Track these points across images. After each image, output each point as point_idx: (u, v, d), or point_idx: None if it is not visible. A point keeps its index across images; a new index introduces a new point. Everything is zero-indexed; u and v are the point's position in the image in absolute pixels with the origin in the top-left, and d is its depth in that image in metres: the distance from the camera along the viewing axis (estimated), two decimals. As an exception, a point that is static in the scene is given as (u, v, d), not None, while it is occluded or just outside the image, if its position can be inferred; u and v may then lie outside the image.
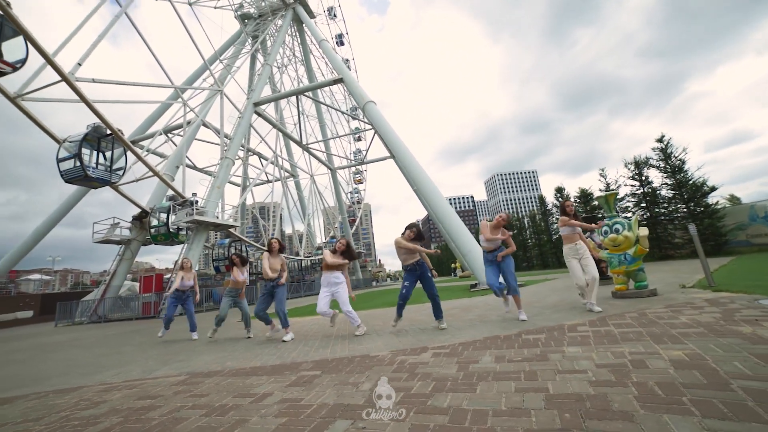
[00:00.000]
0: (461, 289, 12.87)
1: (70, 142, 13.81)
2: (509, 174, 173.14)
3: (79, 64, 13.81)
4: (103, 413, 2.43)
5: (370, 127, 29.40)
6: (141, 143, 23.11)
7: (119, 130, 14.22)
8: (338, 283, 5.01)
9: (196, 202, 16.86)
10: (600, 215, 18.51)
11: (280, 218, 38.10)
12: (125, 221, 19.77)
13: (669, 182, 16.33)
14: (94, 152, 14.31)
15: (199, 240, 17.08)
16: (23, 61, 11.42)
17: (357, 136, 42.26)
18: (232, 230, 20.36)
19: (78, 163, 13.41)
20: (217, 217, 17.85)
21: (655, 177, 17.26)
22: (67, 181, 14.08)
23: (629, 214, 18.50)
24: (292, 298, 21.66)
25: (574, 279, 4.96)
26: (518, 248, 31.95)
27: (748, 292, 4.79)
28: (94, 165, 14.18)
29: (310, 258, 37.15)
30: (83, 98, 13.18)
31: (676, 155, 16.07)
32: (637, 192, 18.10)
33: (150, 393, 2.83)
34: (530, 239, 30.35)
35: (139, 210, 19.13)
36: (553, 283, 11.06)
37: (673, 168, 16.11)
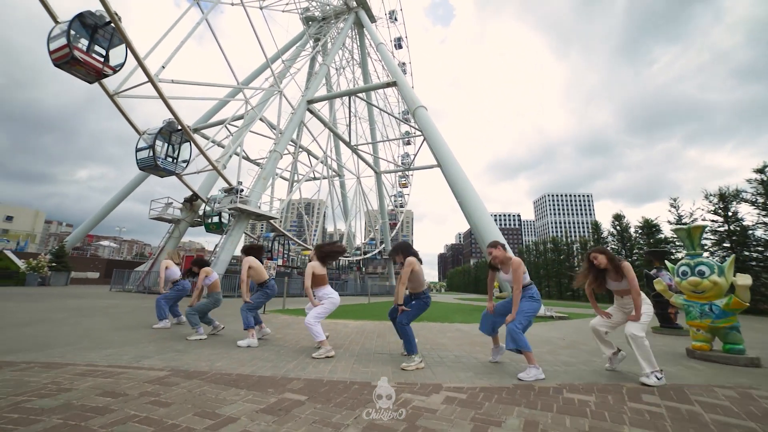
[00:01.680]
0: (496, 313, 11.76)
1: (148, 134, 15.60)
2: (561, 195, 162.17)
3: (163, 67, 15.55)
4: (53, 408, 2.14)
5: (419, 133, 29.01)
6: (203, 131, 24.86)
7: (189, 127, 15.80)
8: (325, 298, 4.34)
9: (242, 190, 17.52)
10: (664, 248, 16.13)
11: (323, 216, 38.99)
12: (178, 202, 21.23)
13: (767, 222, 13.68)
14: (165, 145, 16.07)
15: (239, 228, 17.71)
16: (122, 65, 13.31)
17: (406, 140, 41.97)
18: (273, 222, 20.96)
19: (151, 154, 15.12)
20: (260, 207, 18.40)
21: (747, 214, 14.61)
22: (141, 169, 15.97)
23: (706, 254, 15.88)
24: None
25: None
26: (564, 276, 29.26)
27: None
28: (164, 156, 15.90)
29: (348, 258, 37.39)
30: (163, 98, 14.96)
31: (780, 191, 13.43)
32: (719, 229, 15.48)
33: (117, 389, 2.53)
34: (578, 267, 27.63)
35: (191, 193, 20.40)
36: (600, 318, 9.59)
37: (774, 206, 13.47)
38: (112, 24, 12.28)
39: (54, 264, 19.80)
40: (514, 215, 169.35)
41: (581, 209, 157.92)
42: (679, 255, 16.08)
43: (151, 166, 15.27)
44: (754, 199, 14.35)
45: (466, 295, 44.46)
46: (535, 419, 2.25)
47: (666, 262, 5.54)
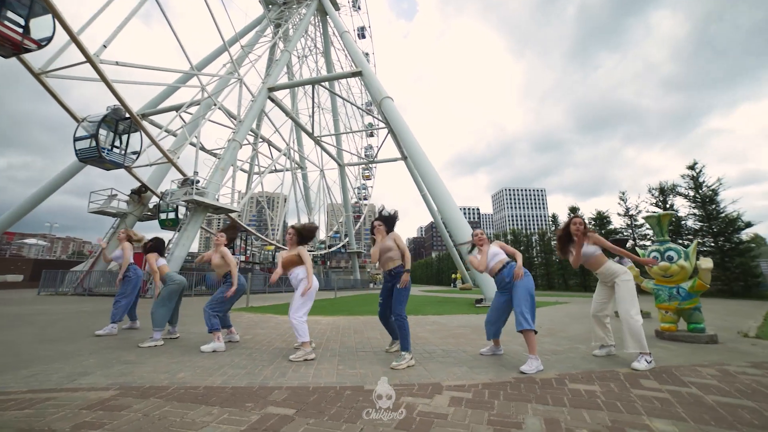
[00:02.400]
0: (465, 303, 11.93)
1: (89, 122, 13.78)
2: (518, 190, 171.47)
3: (105, 46, 13.58)
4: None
5: (383, 124, 28.66)
6: (151, 117, 22.52)
7: (139, 115, 14.07)
8: (300, 279, 3.79)
9: (198, 181, 16.11)
10: (625, 237, 17.48)
11: (285, 210, 37.46)
12: (123, 194, 19.12)
13: (698, 213, 15.25)
14: (111, 134, 14.27)
15: (195, 222, 16.31)
16: (49, 39, 11.31)
17: (370, 132, 41.53)
18: (233, 216, 19.60)
19: (94, 144, 13.35)
20: (218, 200, 17.08)
21: (682, 206, 16.20)
22: (81, 161, 14.04)
23: (647, 243, 17.42)
24: (274, 293, 20.81)
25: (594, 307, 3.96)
26: (524, 266, 30.58)
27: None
28: (110, 147, 14.13)
29: (313, 252, 36.34)
30: (106, 81, 13.07)
31: (708, 185, 15.01)
32: (673, 219, 17.08)
33: (41, 422, 1.96)
34: (537, 258, 29.26)
35: (139, 184, 18.46)
36: (567, 308, 10.08)
37: (704, 198, 15.02)
38: None
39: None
40: (473, 209, 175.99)
41: (536, 203, 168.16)
42: (628, 245, 17.45)
43: (94, 158, 13.54)
44: (686, 193, 15.93)
45: (430, 287, 45.38)
46: (553, 416, 2.07)
47: (637, 249, 5.78)
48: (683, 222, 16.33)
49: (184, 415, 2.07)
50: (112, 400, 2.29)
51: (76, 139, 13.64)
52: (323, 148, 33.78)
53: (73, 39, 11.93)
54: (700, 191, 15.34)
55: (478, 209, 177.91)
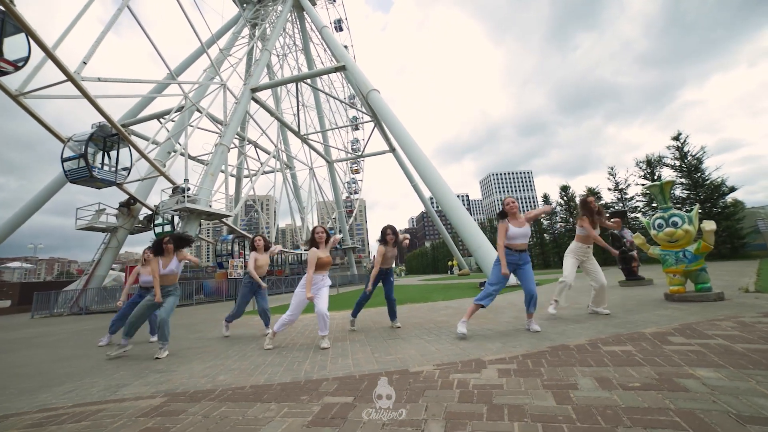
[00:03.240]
0: (469, 287, 12.09)
1: (75, 141, 13.35)
2: (505, 174, 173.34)
3: (84, 63, 13.11)
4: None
5: (368, 117, 28.47)
6: (131, 127, 21.84)
7: (127, 130, 13.65)
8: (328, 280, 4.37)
9: (188, 189, 15.78)
10: (623, 209, 17.92)
11: (276, 211, 37.06)
12: (112, 207, 18.58)
13: (684, 182, 15.74)
14: (99, 152, 13.93)
15: (189, 229, 16.01)
16: (26, 60, 10.88)
17: (355, 125, 41.23)
18: (227, 221, 19.31)
19: (83, 164, 12.99)
20: (210, 206, 16.78)
21: (668, 176, 16.66)
22: (71, 181, 13.65)
23: (639, 215, 17.91)
24: (288, 293, 20.71)
25: (564, 277, 4.59)
26: (542, 244, 31.20)
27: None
28: (100, 165, 13.81)
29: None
30: (90, 99, 12.56)
31: (693, 154, 15.49)
32: (648, 192, 17.52)
33: (106, 429, 1.94)
34: (531, 239, 29.79)
35: (127, 197, 17.96)
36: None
37: (689, 167, 15.50)
38: (1, 8, 9.88)
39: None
40: (462, 196, 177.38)
41: (524, 185, 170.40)
42: (632, 215, 17.90)
43: (84, 178, 13.16)
44: (673, 163, 16.40)
45: (428, 276, 45.80)
46: (602, 375, 2.16)
47: (641, 218, 5.95)
48: (672, 192, 16.85)
49: (244, 413, 2.07)
50: (164, 407, 2.28)
51: (63, 160, 13.25)
52: (311, 146, 33.44)
53: (51, 57, 11.37)
54: (686, 161, 15.83)
55: (467, 195, 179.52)
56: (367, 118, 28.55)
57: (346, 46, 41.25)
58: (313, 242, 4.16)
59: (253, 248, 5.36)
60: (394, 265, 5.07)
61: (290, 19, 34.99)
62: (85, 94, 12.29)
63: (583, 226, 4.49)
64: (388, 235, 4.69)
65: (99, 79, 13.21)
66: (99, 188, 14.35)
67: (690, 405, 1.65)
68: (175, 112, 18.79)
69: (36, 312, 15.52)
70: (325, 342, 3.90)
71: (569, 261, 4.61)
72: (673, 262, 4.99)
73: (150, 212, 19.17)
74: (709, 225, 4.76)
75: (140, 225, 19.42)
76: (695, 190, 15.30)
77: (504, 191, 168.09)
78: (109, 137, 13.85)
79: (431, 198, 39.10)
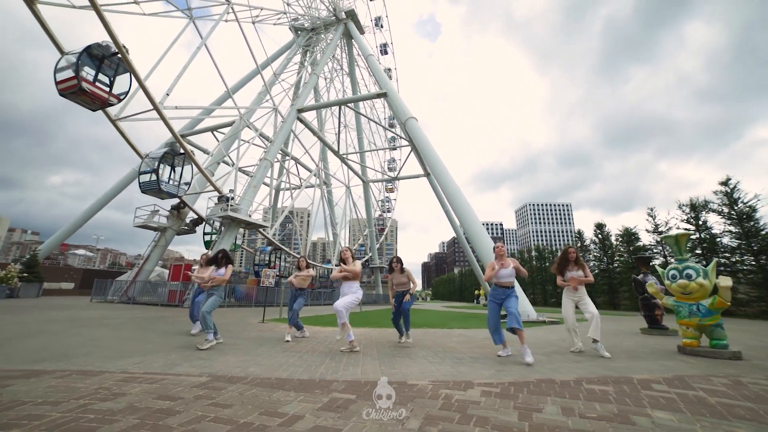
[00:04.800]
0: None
1: (151, 158, 15.59)
2: (542, 204, 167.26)
3: (167, 95, 15.47)
4: (121, 409, 2.21)
5: (406, 141, 29.47)
6: (189, 137, 24.40)
7: (192, 151, 15.83)
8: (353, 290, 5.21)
9: (232, 198, 17.33)
10: (649, 255, 17.07)
11: (310, 225, 38.65)
12: (165, 209, 20.69)
13: (734, 230, 14.76)
14: (167, 168, 16.16)
15: (229, 236, 17.45)
16: (126, 93, 13.29)
17: (392, 145, 42.47)
18: (265, 232, 20.73)
19: (155, 178, 15.18)
20: (250, 216, 18.21)
21: (716, 223, 15.72)
22: (143, 192, 15.82)
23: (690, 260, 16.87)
24: (313, 305, 21.49)
25: (566, 322, 5.16)
26: (547, 282, 30.16)
27: None
28: (167, 180, 16.00)
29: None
30: (169, 126, 14.98)
31: (745, 201, 14.56)
32: (692, 237, 16.56)
33: (170, 393, 2.60)
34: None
35: (177, 201, 20.00)
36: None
37: (740, 215, 14.55)
38: (119, 55, 12.26)
39: (25, 274, 18.76)
40: (496, 224, 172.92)
41: (561, 218, 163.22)
42: (657, 261, 17.05)
43: (154, 190, 15.29)
44: (720, 209, 15.48)
45: (453, 303, 44.91)
46: (569, 406, 2.49)
47: (657, 267, 5.98)
48: (718, 239, 15.81)
49: (269, 395, 2.65)
50: (209, 383, 2.92)
51: (140, 173, 15.54)
52: (348, 166, 34.94)
53: (147, 94, 13.79)
54: (736, 207, 14.90)
55: (501, 224, 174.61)
56: (404, 139, 29.58)
57: (390, 69, 43.36)
58: (342, 260, 5.35)
59: (298, 267, 6.45)
60: (419, 288, 6.16)
61: (339, 45, 37.68)
62: (166, 123, 14.65)
63: (552, 271, 5.43)
64: (393, 262, 5.72)
65: (176, 108, 15.46)
66: (163, 198, 16.39)
67: (626, 434, 1.99)
68: (229, 128, 20.88)
69: (94, 296, 17.46)
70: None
71: (565, 304, 5.16)
72: (686, 315, 5.01)
73: (196, 216, 21.11)
74: (725, 281, 4.78)
75: (186, 227, 21.39)
76: (747, 240, 14.28)
77: (540, 222, 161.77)
78: (176, 155, 15.95)
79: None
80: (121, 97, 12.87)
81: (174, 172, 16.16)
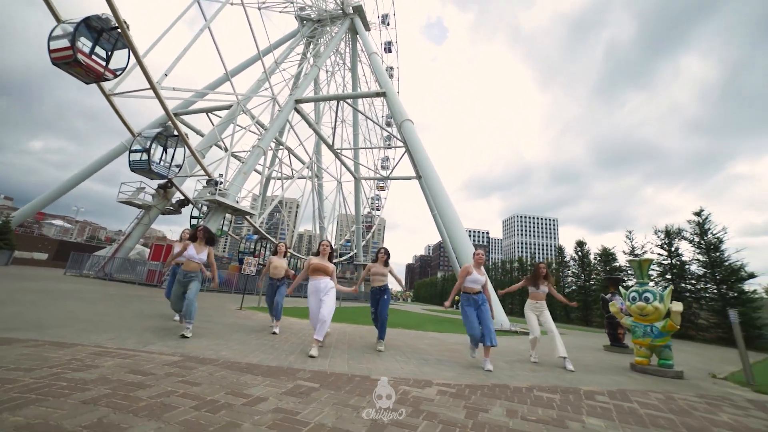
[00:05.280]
0: (462, 323, 12.39)
1: (144, 137, 15.32)
2: (529, 217, 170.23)
3: (165, 75, 15.23)
4: (93, 380, 2.32)
5: (399, 138, 29.68)
6: (183, 117, 24.01)
7: (186, 134, 15.69)
8: (330, 288, 4.63)
9: (221, 183, 17.21)
10: (619, 276, 17.75)
11: (297, 216, 38.50)
12: (151, 187, 20.37)
13: (701, 259, 15.49)
14: (160, 149, 15.95)
15: (214, 220, 17.33)
16: (123, 69, 13.01)
17: (387, 143, 42.60)
18: (251, 220, 20.63)
19: (146, 158, 14.94)
20: (237, 202, 18.11)
21: (686, 250, 16.45)
22: (132, 170, 15.57)
23: (652, 284, 17.60)
24: (295, 296, 21.50)
25: (530, 330, 5.51)
26: (525, 293, 30.80)
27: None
28: (158, 161, 15.77)
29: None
30: (165, 107, 14.74)
31: (714, 233, 15.30)
32: (663, 262, 17.28)
33: (142, 368, 2.72)
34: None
35: (165, 179, 19.72)
36: (563, 338, 10.47)
37: (708, 245, 15.28)
38: (119, 30, 11.99)
39: (-4, 241, 18.24)
40: (483, 232, 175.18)
41: (547, 232, 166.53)
42: (630, 282, 17.70)
43: (144, 170, 15.08)
44: (691, 238, 16.21)
45: (433, 306, 45.43)
46: (514, 409, 2.72)
47: (620, 288, 6.34)
48: (687, 266, 16.54)
49: (238, 377, 2.79)
50: (181, 363, 3.04)
51: (130, 151, 15.28)
52: (341, 161, 34.92)
53: (145, 73, 13.50)
54: (705, 238, 15.63)
55: (488, 233, 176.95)
56: (400, 138, 29.78)
57: (392, 68, 43.42)
58: (317, 251, 4.85)
59: (275, 253, 6.19)
60: (400, 288, 6.09)
61: (344, 39, 37.58)
62: (163, 104, 14.44)
63: (523, 284, 5.80)
64: (380, 252, 5.30)
65: (174, 89, 15.28)
66: (152, 179, 16.18)
67: (556, 435, 2.22)
68: (224, 111, 20.70)
69: (69, 269, 17.11)
70: (313, 350, 4.07)
71: (528, 317, 5.52)
72: (641, 335, 5.36)
73: (182, 198, 20.85)
74: (677, 306, 5.14)
75: (171, 208, 21.11)
76: (712, 269, 15.01)
77: (526, 235, 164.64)
78: (170, 137, 15.76)
79: (448, 229, 39.45)
80: (118, 73, 12.62)
81: (166, 153, 15.98)
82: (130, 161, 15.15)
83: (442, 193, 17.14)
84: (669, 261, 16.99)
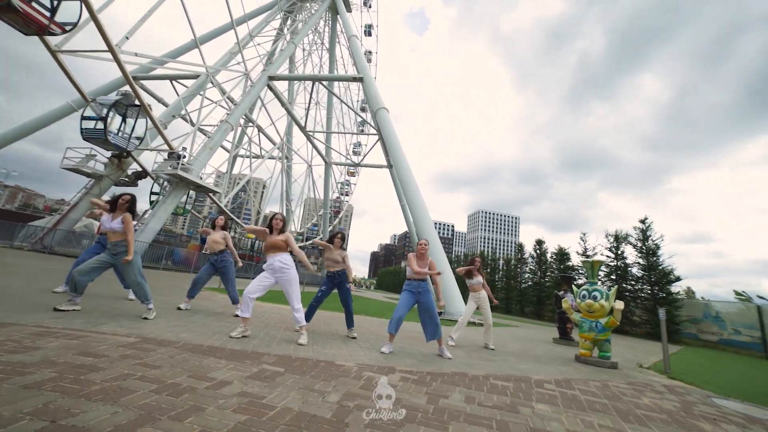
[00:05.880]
0: (426, 314, 12.80)
1: (99, 104, 13.91)
2: (493, 213, 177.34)
3: (127, 38, 13.75)
4: (35, 362, 2.15)
5: (372, 126, 29.40)
6: (142, 81, 22.08)
7: (149, 105, 14.38)
8: (288, 268, 4.25)
9: (184, 157, 16.17)
10: (572, 275, 19.15)
11: (262, 196, 37.23)
12: (103, 155, 18.68)
13: (641, 262, 17.10)
14: (118, 118, 14.66)
15: (174, 197, 16.32)
16: (74, 25, 11.58)
17: (361, 128, 42.04)
18: (215, 198, 19.64)
19: (101, 126, 13.60)
20: (201, 179, 17.15)
21: (630, 254, 18.05)
22: (85, 139, 14.13)
23: (599, 283, 19.17)
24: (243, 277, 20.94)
25: (465, 315, 6.06)
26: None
27: (699, 386, 4.97)
28: (116, 131, 14.49)
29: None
30: (126, 74, 13.25)
31: (654, 239, 16.92)
32: (610, 263, 18.85)
33: (93, 350, 2.55)
34: (499, 282, 30.82)
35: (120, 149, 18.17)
36: (515, 330, 11.16)
37: (648, 250, 16.89)
38: None
39: None
40: (449, 225, 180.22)
41: (509, 229, 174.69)
42: (581, 281, 19.14)
43: (99, 140, 13.82)
44: (635, 243, 17.79)
45: (395, 294, 46.36)
46: (472, 395, 2.89)
47: (572, 286, 6.85)
48: (629, 268, 18.17)
49: (200, 361, 2.71)
50: (138, 344, 2.89)
51: (83, 118, 13.81)
52: (313, 144, 34.05)
53: (100, 29, 11.99)
54: (646, 243, 17.23)
55: (453, 226, 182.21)
56: (373, 125, 29.44)
57: (370, 52, 42.54)
58: (269, 226, 4.36)
59: (213, 226, 5.79)
60: (365, 276, 5.99)
61: (324, 17, 36.17)
62: (123, 70, 13.02)
63: (460, 273, 6.19)
64: (336, 237, 5.13)
65: (136, 54, 13.91)
66: (108, 150, 14.85)
67: (508, 419, 2.41)
68: (191, 81, 19.29)
69: (-2, 240, 15.37)
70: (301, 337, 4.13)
71: (469, 305, 6.07)
72: (586, 329, 5.85)
73: (140, 169, 19.36)
74: (619, 304, 5.67)
75: (127, 180, 19.55)
76: (648, 272, 16.65)
77: (489, 230, 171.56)
78: (130, 106, 14.40)
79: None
80: (67, 28, 11.18)
81: (125, 123, 14.68)
82: (82, 129, 13.77)
83: (412, 183, 17.32)
84: (615, 263, 18.54)
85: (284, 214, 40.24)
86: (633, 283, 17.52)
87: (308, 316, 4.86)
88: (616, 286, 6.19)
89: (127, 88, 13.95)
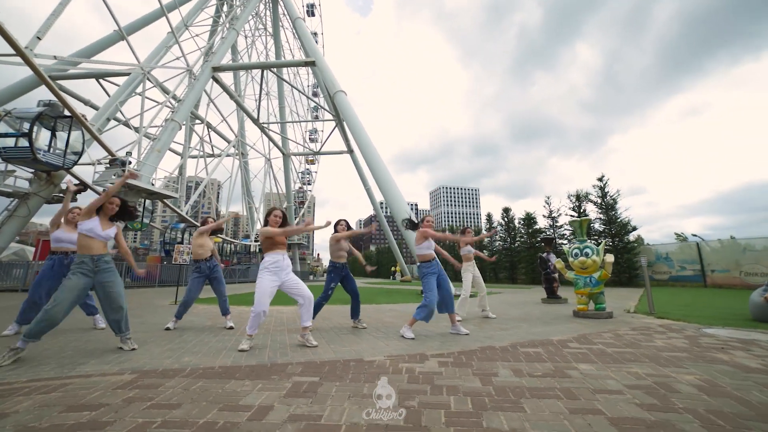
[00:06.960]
0: (412, 294, 12.84)
1: (17, 117, 11.72)
2: (454, 188, 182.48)
3: (39, 38, 11.48)
4: None
5: (328, 111, 28.37)
6: (60, 82, 19.27)
7: (83, 115, 12.37)
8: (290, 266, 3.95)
9: (129, 163, 14.51)
10: (553, 237, 20.19)
11: (218, 196, 35.04)
12: (25, 170, 16.22)
13: (602, 217, 18.40)
14: (47, 133, 12.39)
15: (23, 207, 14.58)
16: None
17: (315, 115, 40.57)
18: (170, 203, 18.00)
19: (26, 144, 11.38)
20: (153, 184, 15.57)
21: (591, 211, 19.34)
22: (5, 160, 11.93)
23: (565, 242, 20.44)
24: (228, 282, 19.83)
25: (466, 289, 5.95)
26: (458, 260, 33.34)
27: (686, 320, 5.39)
28: (46, 148, 12.25)
29: (257, 242, 34.78)
30: (43, 78, 11.30)
31: (611, 195, 18.23)
32: (570, 225, 20.10)
33: (85, 400, 2.07)
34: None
35: (55, 167, 15.89)
36: (501, 297, 11.52)
37: (607, 205, 18.19)
38: None
39: None
40: (412, 204, 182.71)
41: (470, 202, 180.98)
42: (563, 242, 20.21)
43: (26, 159, 11.62)
44: (595, 200, 19.06)
45: (370, 279, 46.55)
46: (517, 368, 2.80)
47: (563, 247, 7.08)
48: (592, 225, 19.50)
49: (222, 387, 2.33)
50: (138, 381, 2.43)
51: None
52: (268, 136, 32.31)
53: (2, 31, 9.97)
54: (605, 199, 18.52)
55: (416, 204, 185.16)
56: (328, 110, 28.35)
57: (315, 34, 40.66)
58: (266, 223, 3.91)
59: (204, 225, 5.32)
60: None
61: (264, 1, 33.73)
62: (39, 73, 11.11)
63: (458, 243, 5.93)
64: (339, 225, 5.06)
65: (55, 58, 11.87)
66: (41, 171, 12.72)
67: (568, 385, 2.33)
68: (122, 79, 17.18)
69: None
70: (308, 337, 3.75)
71: (466, 277, 6.06)
72: (582, 285, 6.09)
73: (77, 182, 17.15)
74: (609, 258, 5.93)
75: (61, 195, 17.24)
76: (609, 226, 17.99)
77: (452, 204, 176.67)
78: (59, 118, 12.30)
79: (382, 203, 39.95)
80: None
81: (55, 138, 12.51)
82: (0, 148, 11.67)
83: (380, 164, 16.99)
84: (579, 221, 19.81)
85: (245, 212, 38.36)
86: (596, 237, 18.86)
87: (356, 310, 5.05)
88: (604, 241, 6.47)
89: (45, 89, 11.85)
